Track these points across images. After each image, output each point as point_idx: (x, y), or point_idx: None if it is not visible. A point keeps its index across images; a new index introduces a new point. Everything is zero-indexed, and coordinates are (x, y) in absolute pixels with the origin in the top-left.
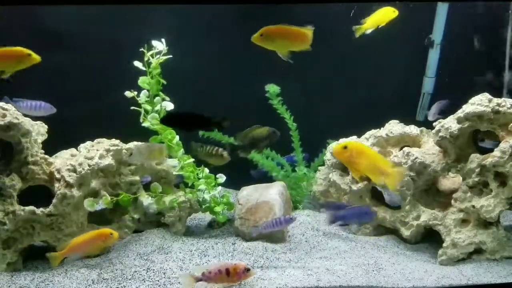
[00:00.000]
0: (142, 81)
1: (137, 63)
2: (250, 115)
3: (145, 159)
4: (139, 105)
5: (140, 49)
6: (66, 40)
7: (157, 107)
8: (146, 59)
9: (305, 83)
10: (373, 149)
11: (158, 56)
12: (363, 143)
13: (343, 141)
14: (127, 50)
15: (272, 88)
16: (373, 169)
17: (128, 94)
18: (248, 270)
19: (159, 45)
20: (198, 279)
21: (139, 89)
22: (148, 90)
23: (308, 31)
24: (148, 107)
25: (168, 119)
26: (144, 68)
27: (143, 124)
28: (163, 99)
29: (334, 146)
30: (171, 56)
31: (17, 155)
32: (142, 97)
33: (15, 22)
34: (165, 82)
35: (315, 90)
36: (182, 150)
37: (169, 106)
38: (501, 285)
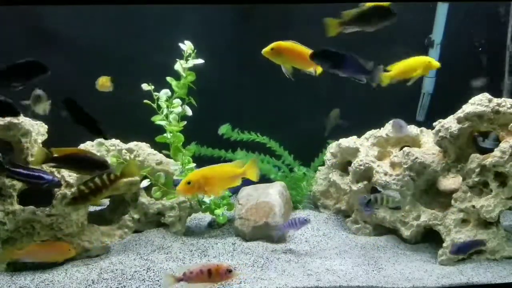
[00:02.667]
0: (170, 79)
1: (177, 66)
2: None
3: None
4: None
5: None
6: (69, 40)
7: (176, 109)
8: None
9: (305, 83)
10: (214, 166)
11: (188, 60)
12: (202, 169)
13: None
14: (129, 50)
15: (224, 129)
16: (227, 181)
17: (145, 86)
18: (230, 271)
19: (187, 47)
20: (179, 279)
21: (164, 87)
22: (172, 92)
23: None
24: (164, 106)
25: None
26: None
27: (156, 121)
28: (189, 101)
29: (178, 188)
30: (203, 61)
31: (17, 155)
32: (163, 96)
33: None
34: (194, 88)
35: (315, 90)
36: (188, 157)
37: (188, 111)
38: (501, 285)
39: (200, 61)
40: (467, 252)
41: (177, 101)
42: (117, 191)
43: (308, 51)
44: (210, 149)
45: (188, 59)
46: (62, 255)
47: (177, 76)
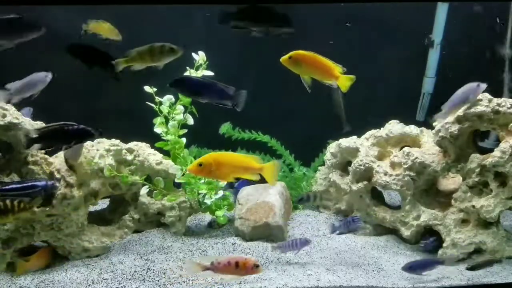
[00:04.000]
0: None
1: (187, 73)
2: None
3: None
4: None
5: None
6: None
7: (177, 116)
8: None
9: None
10: (229, 153)
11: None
12: (217, 153)
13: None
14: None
15: (224, 129)
16: (240, 171)
17: (147, 89)
18: (257, 266)
19: (199, 57)
20: (205, 268)
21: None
22: (176, 98)
23: (338, 71)
24: (165, 111)
25: None
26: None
27: (155, 126)
28: (191, 111)
29: (189, 168)
30: (212, 73)
31: (17, 155)
32: (166, 101)
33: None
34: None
35: (315, 91)
36: (189, 159)
37: (190, 120)
38: (501, 285)
39: (209, 73)
40: (421, 272)
41: (179, 108)
42: (119, 191)
43: (329, 62)
44: (211, 151)
45: (198, 69)
46: (49, 258)
47: None
